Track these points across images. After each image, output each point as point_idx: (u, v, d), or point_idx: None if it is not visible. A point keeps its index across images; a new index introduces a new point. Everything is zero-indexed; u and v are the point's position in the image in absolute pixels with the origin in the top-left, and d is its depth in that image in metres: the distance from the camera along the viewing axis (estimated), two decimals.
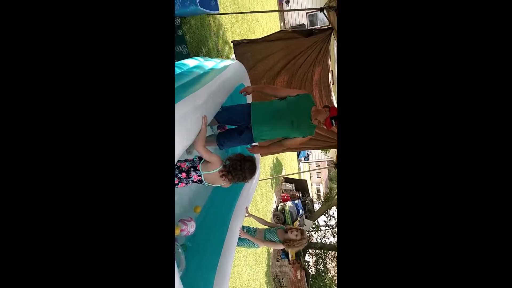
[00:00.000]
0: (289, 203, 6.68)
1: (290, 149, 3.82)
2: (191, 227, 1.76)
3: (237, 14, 4.78)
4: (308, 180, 12.25)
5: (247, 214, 2.37)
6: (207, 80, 1.77)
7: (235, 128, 2.26)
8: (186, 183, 1.57)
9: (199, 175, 1.55)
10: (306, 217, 7.48)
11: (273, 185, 7.04)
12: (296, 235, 2.20)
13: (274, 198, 7.01)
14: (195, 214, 2.18)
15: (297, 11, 10.18)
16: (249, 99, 2.47)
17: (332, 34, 3.04)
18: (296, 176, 9.02)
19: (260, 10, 6.31)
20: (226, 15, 4.18)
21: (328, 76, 3.29)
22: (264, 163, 6.12)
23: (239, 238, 2.30)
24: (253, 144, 2.32)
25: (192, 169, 1.57)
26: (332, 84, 3.42)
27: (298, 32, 3.02)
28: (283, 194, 7.61)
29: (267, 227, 2.45)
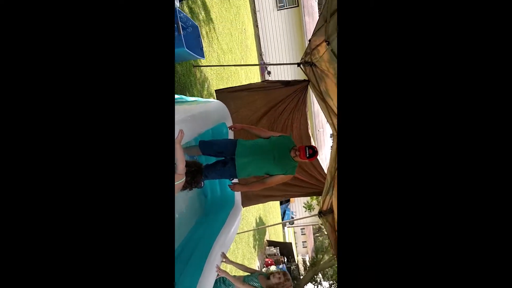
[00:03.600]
0: (273, 268, 6.14)
1: (272, 197, 3.68)
2: None
3: (223, 74, 5.18)
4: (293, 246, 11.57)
5: (224, 260, 2.12)
6: (187, 105, 1.80)
7: (220, 160, 2.28)
8: None
9: None
10: None
11: (256, 247, 6.56)
12: (279, 278, 1.96)
13: (257, 263, 6.45)
14: None
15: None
16: (231, 136, 2.52)
17: (308, 85, 3.29)
18: (280, 237, 8.52)
19: (244, 75, 6.89)
20: (212, 72, 4.52)
21: (307, 125, 3.43)
22: (247, 220, 5.82)
23: (214, 283, 2.01)
24: (234, 181, 2.31)
25: None
26: (311, 136, 3.55)
27: (278, 81, 3.25)
28: (266, 259, 7.04)
29: (247, 273, 2.18)
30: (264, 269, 6.29)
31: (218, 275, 1.96)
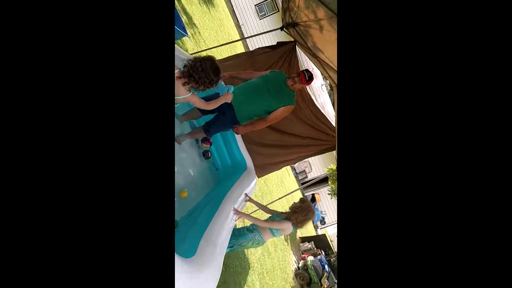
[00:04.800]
0: (310, 258, 5.84)
1: (287, 161, 3.57)
2: None
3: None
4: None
5: (247, 199, 2.05)
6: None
7: (218, 111, 2.25)
8: None
9: None
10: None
11: (288, 241, 6.31)
12: (295, 204, 1.89)
13: (293, 258, 6.17)
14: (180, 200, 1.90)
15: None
16: None
17: (296, 46, 3.30)
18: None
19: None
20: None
21: None
22: None
23: (237, 233, 1.93)
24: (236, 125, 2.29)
25: None
26: None
27: (265, 47, 3.28)
28: (303, 255, 6.73)
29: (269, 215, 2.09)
30: (301, 262, 5.99)
31: (237, 218, 1.88)
